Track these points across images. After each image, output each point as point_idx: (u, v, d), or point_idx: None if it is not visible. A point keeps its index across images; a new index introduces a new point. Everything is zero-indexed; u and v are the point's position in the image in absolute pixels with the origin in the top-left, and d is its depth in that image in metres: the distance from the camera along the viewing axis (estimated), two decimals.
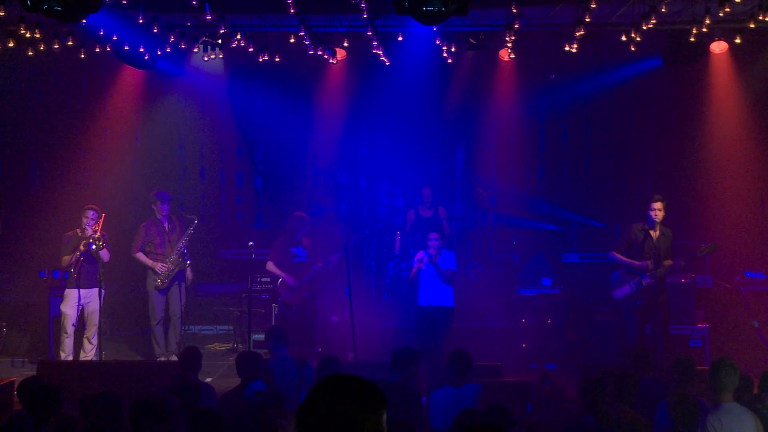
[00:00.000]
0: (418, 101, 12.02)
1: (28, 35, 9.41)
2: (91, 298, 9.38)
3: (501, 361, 8.64)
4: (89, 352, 9.42)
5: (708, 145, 11.35)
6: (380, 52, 10.30)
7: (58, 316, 9.49)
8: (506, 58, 10.74)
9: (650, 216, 8.67)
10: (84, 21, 7.98)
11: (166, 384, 6.39)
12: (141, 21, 9.17)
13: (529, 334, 10.12)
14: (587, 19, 8.88)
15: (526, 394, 7.44)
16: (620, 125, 12.48)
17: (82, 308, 9.36)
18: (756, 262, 10.37)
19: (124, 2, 8.45)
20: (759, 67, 10.86)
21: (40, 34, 9.55)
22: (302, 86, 12.37)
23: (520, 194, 12.84)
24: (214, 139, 12.86)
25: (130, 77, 11.86)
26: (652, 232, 8.69)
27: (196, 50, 10.77)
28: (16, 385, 6.80)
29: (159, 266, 9.61)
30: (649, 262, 8.60)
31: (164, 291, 9.70)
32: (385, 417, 2.35)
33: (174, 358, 9.44)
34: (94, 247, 9.19)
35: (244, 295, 10.64)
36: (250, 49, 10.24)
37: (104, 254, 9.31)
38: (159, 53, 10.67)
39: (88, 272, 9.30)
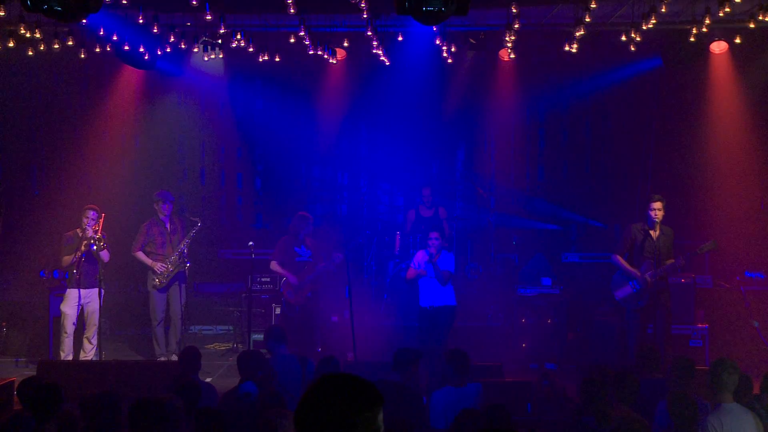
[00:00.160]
0: (418, 101, 12.02)
1: (28, 35, 9.41)
2: (91, 298, 9.38)
3: (501, 361, 8.64)
4: (89, 352, 9.42)
5: (708, 145, 11.34)
6: (380, 52, 10.30)
7: (58, 316, 9.49)
8: (506, 58, 10.74)
9: (650, 216, 8.69)
10: (84, 21, 7.99)
11: (166, 384, 6.38)
12: (141, 21, 9.17)
13: (529, 334, 10.13)
14: (587, 19, 8.88)
15: (526, 394, 7.44)
16: (620, 125, 12.48)
17: (82, 308, 9.36)
18: (756, 262, 10.36)
19: (124, 2, 8.45)
20: (759, 67, 10.85)
21: (40, 34, 9.55)
22: (302, 86, 12.36)
23: (520, 194, 12.84)
24: (214, 139, 12.86)
25: (130, 77, 11.86)
26: (651, 232, 8.72)
27: (196, 50, 10.78)
28: (16, 385, 6.81)
29: (158, 266, 9.61)
30: (646, 275, 8.64)
31: (164, 291, 9.70)
32: (381, 415, 2.37)
33: (174, 358, 9.44)
34: (95, 247, 9.19)
35: (244, 295, 10.65)
36: (250, 49, 10.24)
37: (104, 255, 9.31)
38: (159, 53, 10.67)
39: (88, 272, 9.30)
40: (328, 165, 13.06)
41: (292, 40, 9.97)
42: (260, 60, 10.57)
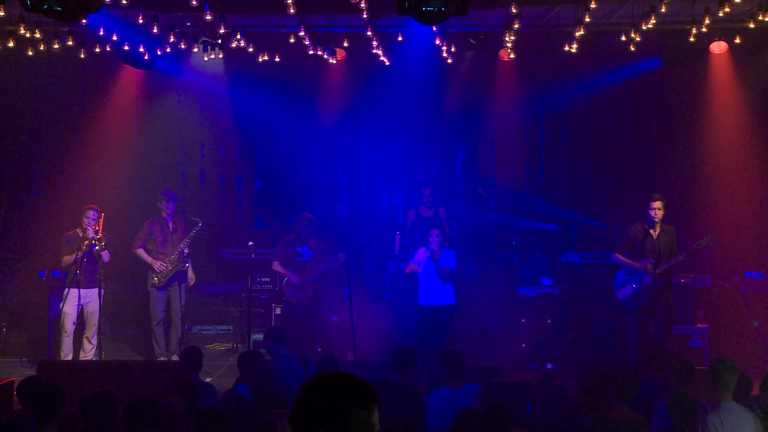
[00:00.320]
0: (418, 101, 12.02)
1: (28, 35, 9.41)
2: (91, 298, 9.38)
3: (501, 361, 8.64)
4: (89, 352, 9.42)
5: (708, 145, 11.35)
6: (380, 52, 10.30)
7: (57, 316, 9.49)
8: (506, 58, 10.74)
9: (650, 215, 8.70)
10: (84, 21, 7.98)
11: (167, 384, 6.38)
12: (141, 21, 9.17)
13: (529, 334, 10.13)
14: (587, 19, 8.88)
15: (526, 394, 7.45)
16: (620, 125, 12.48)
17: (82, 308, 9.36)
18: (756, 262, 10.37)
19: (124, 2, 8.44)
20: (759, 67, 10.86)
21: (40, 33, 9.55)
22: (302, 86, 12.36)
23: (520, 194, 12.83)
24: (213, 139, 12.86)
25: (129, 77, 11.87)
26: (651, 231, 8.72)
27: (195, 50, 10.78)
28: (15, 385, 6.81)
29: (158, 264, 9.61)
30: (649, 264, 8.60)
31: (164, 290, 9.69)
32: (376, 414, 2.36)
33: (175, 358, 9.44)
34: (96, 248, 9.19)
35: (243, 294, 10.65)
36: (250, 49, 10.24)
37: (105, 255, 9.32)
38: (159, 53, 10.68)
39: (88, 272, 9.30)
40: (327, 165, 13.06)
41: (291, 41, 9.97)
42: (260, 60, 10.58)
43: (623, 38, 9.49)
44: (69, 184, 11.92)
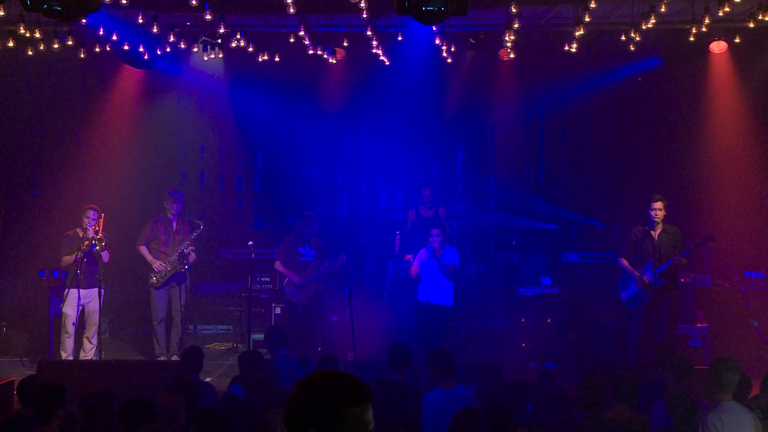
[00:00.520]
0: (417, 101, 12.02)
1: (27, 35, 9.40)
2: (91, 297, 9.39)
3: (501, 361, 8.65)
4: (89, 352, 9.43)
5: (708, 145, 11.34)
6: (380, 52, 10.30)
7: (58, 316, 9.50)
8: (506, 58, 10.74)
9: (650, 216, 8.73)
10: (84, 20, 7.98)
11: (167, 384, 6.39)
12: (141, 20, 9.16)
13: (529, 333, 10.13)
14: (587, 19, 8.88)
15: (526, 394, 7.45)
16: (620, 125, 12.48)
17: (82, 308, 9.36)
18: (755, 261, 10.37)
19: (124, 2, 8.43)
20: (758, 66, 10.85)
21: (39, 33, 9.54)
22: (302, 86, 12.37)
23: (519, 194, 12.83)
24: (213, 138, 12.86)
25: (129, 77, 11.87)
26: (652, 232, 8.74)
27: (195, 50, 10.77)
28: (15, 385, 6.81)
29: (157, 264, 9.62)
30: (644, 277, 8.64)
31: (165, 290, 9.70)
32: (370, 411, 2.36)
33: (175, 357, 9.45)
34: (96, 248, 9.20)
35: (243, 294, 10.65)
36: (250, 49, 10.24)
37: (105, 255, 9.32)
38: (159, 53, 10.68)
39: (88, 272, 9.30)
40: (327, 165, 13.07)
41: (291, 40, 9.97)
42: (260, 60, 10.58)
43: (623, 38, 9.49)
44: (69, 184, 11.92)
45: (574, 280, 10.87)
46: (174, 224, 9.78)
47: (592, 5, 8.44)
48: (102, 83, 12.13)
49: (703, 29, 9.26)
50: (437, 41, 10.06)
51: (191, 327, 11.04)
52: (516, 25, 8.99)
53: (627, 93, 12.18)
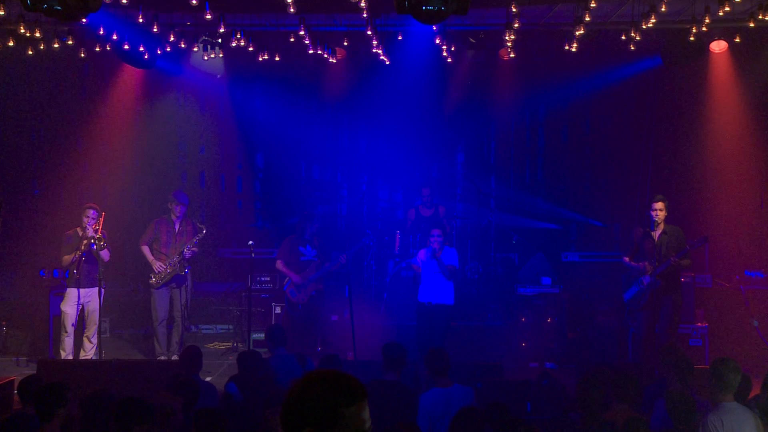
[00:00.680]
0: (417, 101, 12.02)
1: (27, 34, 9.41)
2: (91, 297, 9.39)
3: (501, 360, 8.64)
4: (89, 351, 9.43)
5: (707, 145, 11.34)
6: (380, 52, 10.29)
7: (58, 315, 9.50)
8: (506, 58, 10.73)
9: (651, 216, 8.73)
10: (84, 20, 7.99)
11: (166, 383, 6.39)
12: (141, 20, 9.17)
13: (529, 333, 10.13)
14: (587, 19, 8.88)
15: (526, 393, 7.45)
16: (620, 124, 12.48)
17: (82, 307, 9.37)
18: (755, 261, 10.36)
19: (124, 1, 8.43)
20: (759, 66, 10.85)
21: (39, 33, 9.54)
22: (302, 85, 12.37)
23: (520, 193, 12.84)
24: (213, 138, 12.86)
25: (129, 76, 11.86)
26: (652, 233, 8.74)
27: (195, 49, 10.77)
28: (15, 384, 6.81)
29: (157, 265, 9.61)
30: (646, 264, 8.64)
31: (166, 290, 9.69)
32: (367, 409, 2.36)
33: (175, 357, 9.45)
34: (95, 247, 9.20)
35: (243, 294, 10.65)
36: (250, 49, 10.24)
37: (104, 254, 9.32)
38: (159, 52, 10.68)
39: (88, 271, 9.31)
40: (327, 164, 13.07)
41: (291, 40, 9.97)
42: (260, 59, 10.58)
43: (623, 37, 9.49)
44: (69, 183, 11.91)
45: (575, 279, 10.88)
46: (177, 226, 9.78)
47: (592, 5, 8.44)
48: (102, 83, 12.13)
49: (703, 29, 9.26)
50: (437, 41, 10.06)
51: (192, 327, 11.04)
52: (516, 25, 8.98)
53: (627, 93, 12.17)
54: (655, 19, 8.79)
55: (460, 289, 9.96)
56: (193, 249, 9.69)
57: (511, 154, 12.90)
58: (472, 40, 10.40)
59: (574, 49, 9.74)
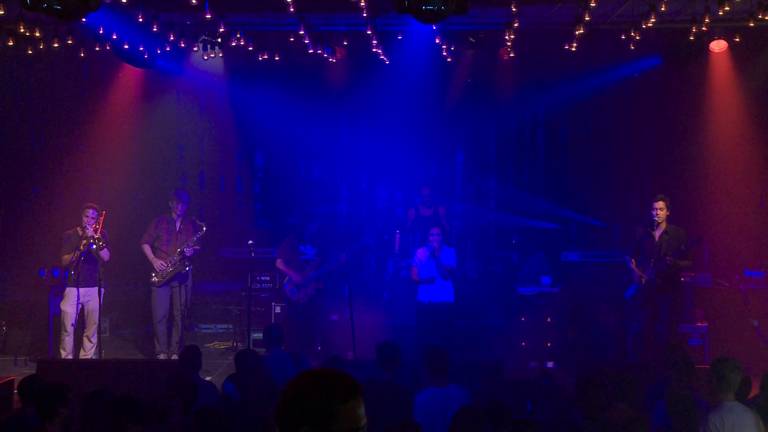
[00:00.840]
0: (417, 100, 12.02)
1: (27, 34, 9.40)
2: (91, 296, 9.39)
3: (501, 360, 8.64)
4: (89, 351, 9.43)
5: (707, 144, 11.34)
6: (380, 51, 10.29)
7: (57, 315, 9.50)
8: (506, 57, 10.73)
9: (651, 215, 8.74)
10: (83, 19, 7.97)
11: (166, 383, 6.39)
12: (140, 20, 9.16)
13: (529, 332, 10.13)
14: (587, 18, 8.88)
15: (526, 393, 7.45)
16: (620, 124, 12.48)
17: (82, 307, 9.37)
18: (755, 260, 10.36)
19: (124, 1, 8.44)
20: (758, 65, 10.85)
21: (39, 32, 9.54)
22: (302, 85, 12.37)
23: (519, 193, 12.83)
24: (213, 137, 12.85)
25: (129, 76, 11.86)
26: (653, 232, 8.75)
27: (195, 49, 10.77)
28: (15, 384, 6.81)
29: (158, 264, 9.62)
30: (639, 272, 8.70)
31: (167, 289, 9.70)
32: (362, 406, 2.37)
33: (175, 357, 9.45)
34: (94, 247, 9.19)
35: (243, 293, 10.65)
36: (250, 48, 10.24)
37: (104, 254, 9.32)
38: (158, 52, 10.68)
39: (87, 271, 9.31)
40: (327, 164, 13.07)
41: (291, 39, 9.96)
42: (260, 59, 10.57)
43: (623, 37, 9.49)
44: (69, 182, 11.92)
45: (574, 279, 10.88)
46: (177, 224, 9.79)
47: (592, 4, 8.44)
48: (102, 82, 12.13)
49: (703, 28, 9.26)
50: (437, 40, 10.05)
51: (192, 326, 11.04)
52: (516, 24, 8.99)
53: (627, 92, 12.17)
54: (654, 18, 8.79)
55: (460, 289, 9.95)
56: (195, 247, 9.70)
57: (511, 153, 12.90)
58: (472, 39, 10.39)
59: (573, 49, 9.74)
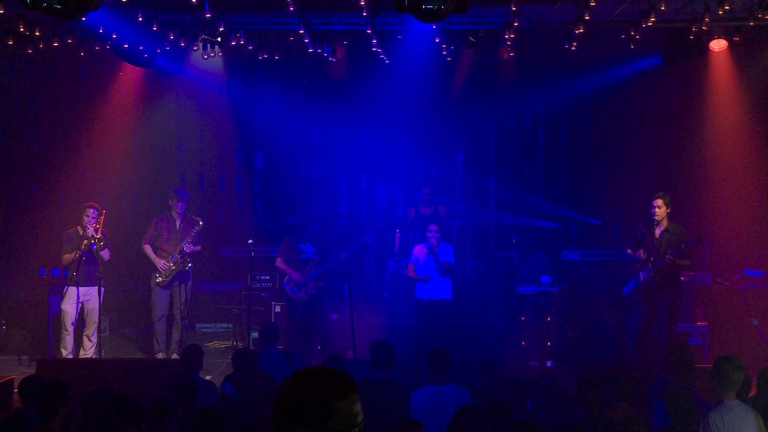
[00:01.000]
0: (417, 100, 12.00)
1: (27, 33, 9.39)
2: (91, 295, 9.39)
3: (500, 359, 8.65)
4: (89, 350, 9.43)
5: (707, 143, 11.34)
6: (380, 51, 10.29)
7: (57, 314, 9.50)
8: (506, 57, 10.73)
9: (651, 213, 8.74)
10: (83, 19, 7.97)
11: (166, 382, 6.39)
12: (140, 19, 9.15)
13: (529, 331, 10.13)
14: (587, 17, 8.87)
15: (526, 392, 7.45)
16: (620, 123, 12.48)
17: (82, 306, 9.38)
18: (755, 260, 10.37)
19: (124, 0, 8.43)
20: (758, 64, 10.85)
21: (39, 32, 9.53)
22: (301, 84, 12.37)
23: (519, 192, 12.84)
24: (213, 136, 12.85)
25: (129, 75, 11.86)
26: (654, 230, 8.75)
27: (195, 48, 10.76)
28: (15, 383, 6.81)
29: (161, 263, 9.63)
30: (641, 252, 8.68)
31: (167, 288, 9.70)
32: (358, 403, 2.38)
33: (175, 356, 9.45)
34: (95, 247, 9.20)
35: (243, 293, 10.66)
36: (250, 47, 10.24)
37: (105, 254, 9.33)
38: (158, 51, 10.68)
39: (87, 270, 9.31)
40: (327, 163, 13.07)
41: (291, 39, 9.96)
42: (260, 58, 10.57)
43: (623, 36, 9.49)
44: (69, 182, 11.91)
45: (574, 278, 10.88)
46: (178, 223, 9.80)
47: (592, 3, 8.43)
48: (102, 81, 12.12)
49: (703, 27, 9.26)
50: (437, 39, 10.05)
51: (192, 325, 11.04)
52: (516, 24, 8.98)
53: (627, 91, 12.16)
54: (654, 17, 8.79)
55: (460, 288, 9.95)
56: (195, 247, 9.70)
57: (511, 153, 12.90)
58: (471, 38, 10.39)
59: (573, 48, 9.74)
